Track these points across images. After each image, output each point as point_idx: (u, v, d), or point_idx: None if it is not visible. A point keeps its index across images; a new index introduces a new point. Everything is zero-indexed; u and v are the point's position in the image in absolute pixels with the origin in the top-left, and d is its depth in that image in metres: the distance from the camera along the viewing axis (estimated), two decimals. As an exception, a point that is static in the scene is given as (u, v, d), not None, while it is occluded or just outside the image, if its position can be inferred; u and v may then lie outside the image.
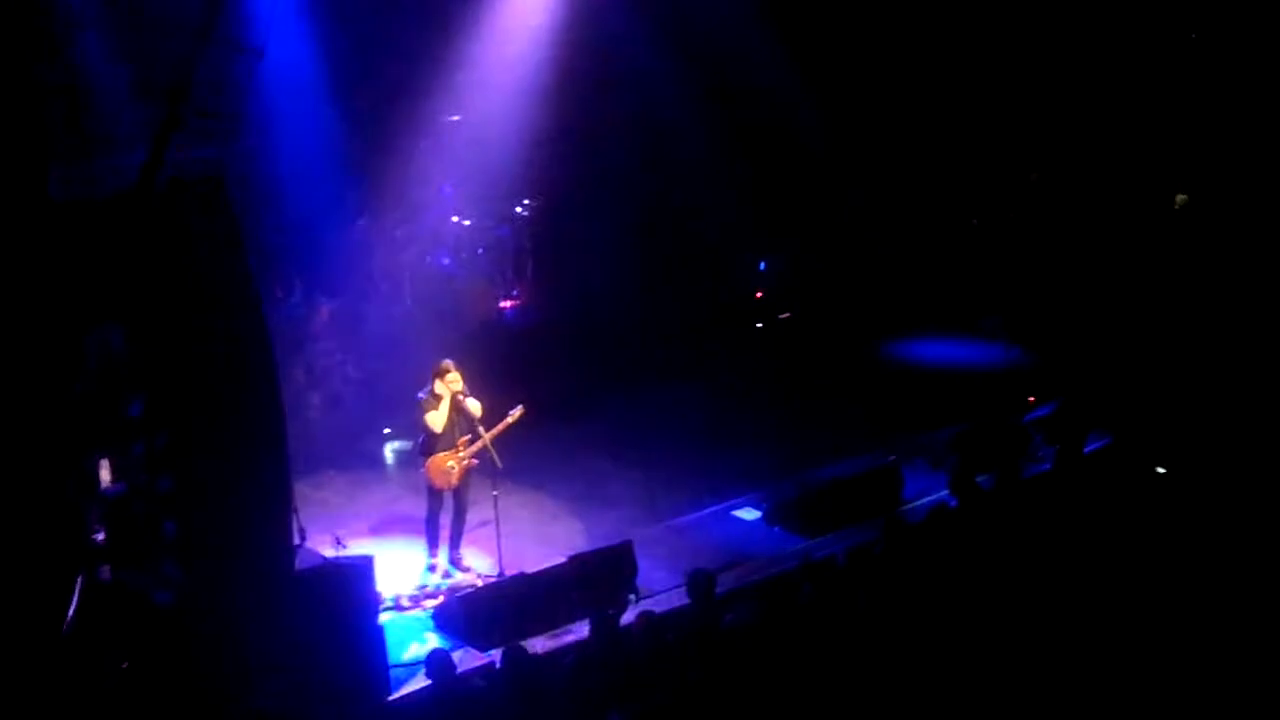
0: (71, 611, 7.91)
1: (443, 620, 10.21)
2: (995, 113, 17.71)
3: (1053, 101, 17.55)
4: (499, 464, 10.93)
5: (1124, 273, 16.54)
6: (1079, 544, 9.53)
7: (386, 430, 13.82)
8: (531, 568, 10.56)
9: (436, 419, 10.92)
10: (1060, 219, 18.04)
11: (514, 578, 10.45)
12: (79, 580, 8.01)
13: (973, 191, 18.65)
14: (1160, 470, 11.43)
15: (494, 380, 11.88)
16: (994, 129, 17.89)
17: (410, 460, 12.22)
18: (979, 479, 10.65)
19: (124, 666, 8.13)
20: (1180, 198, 17.83)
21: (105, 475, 9.05)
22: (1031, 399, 13.97)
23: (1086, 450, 12.21)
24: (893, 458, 12.57)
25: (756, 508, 12.27)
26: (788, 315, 17.42)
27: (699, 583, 9.09)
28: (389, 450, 13.76)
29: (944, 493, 11.42)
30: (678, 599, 9.96)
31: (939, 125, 17.76)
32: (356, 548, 10.64)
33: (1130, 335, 15.15)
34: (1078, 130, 17.71)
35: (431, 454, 11.02)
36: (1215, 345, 14.32)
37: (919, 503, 12.06)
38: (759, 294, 17.57)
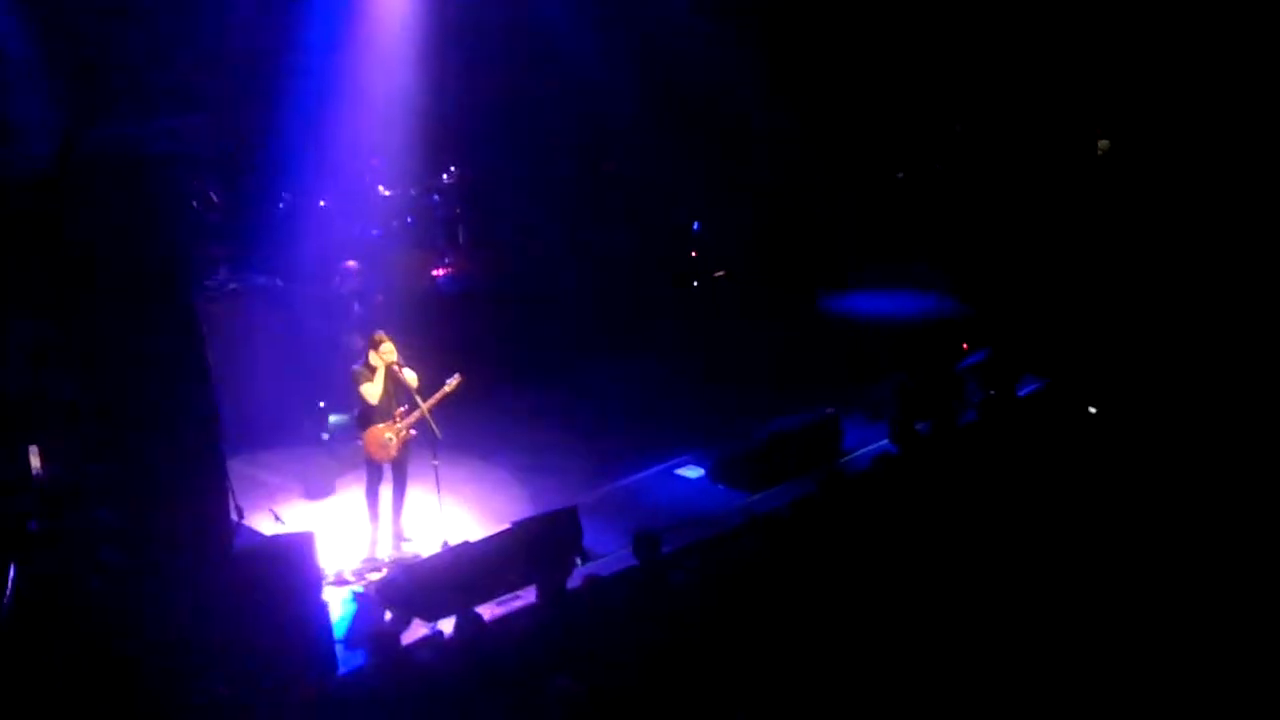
0: (6, 601, 7.77)
1: (387, 593, 10.13)
2: (918, 65, 17.78)
3: (975, 52, 17.64)
4: (438, 434, 10.85)
5: (1051, 218, 16.73)
6: (1017, 483, 9.67)
7: (321, 404, 13.65)
8: (475, 537, 10.53)
9: (372, 390, 10.81)
10: (986, 169, 18.19)
11: (458, 547, 10.39)
12: (11, 570, 7.87)
13: (898, 144, 18.74)
14: (1092, 410, 11.63)
15: (430, 350, 11.78)
16: (918, 81, 17.97)
17: (347, 433, 12.11)
18: (918, 426, 10.77)
19: (62, 656, 8.00)
20: (1103, 143, 18.03)
21: (35, 461, 8.86)
22: (965, 346, 14.13)
23: (1021, 394, 12.38)
24: (832, 410, 12.65)
25: (700, 466, 12.32)
26: (722, 274, 17.45)
27: (644, 543, 9.10)
28: (325, 424, 13.60)
29: (883, 442, 11.54)
30: (624, 560, 9.97)
31: (863, 78, 17.80)
32: (296, 524, 10.56)
33: (1059, 280, 15.34)
34: (1000, 80, 17.83)
35: (368, 426, 10.92)
36: (1144, 287, 14.54)
37: (859, 453, 12.20)
38: (694, 254, 17.57)
